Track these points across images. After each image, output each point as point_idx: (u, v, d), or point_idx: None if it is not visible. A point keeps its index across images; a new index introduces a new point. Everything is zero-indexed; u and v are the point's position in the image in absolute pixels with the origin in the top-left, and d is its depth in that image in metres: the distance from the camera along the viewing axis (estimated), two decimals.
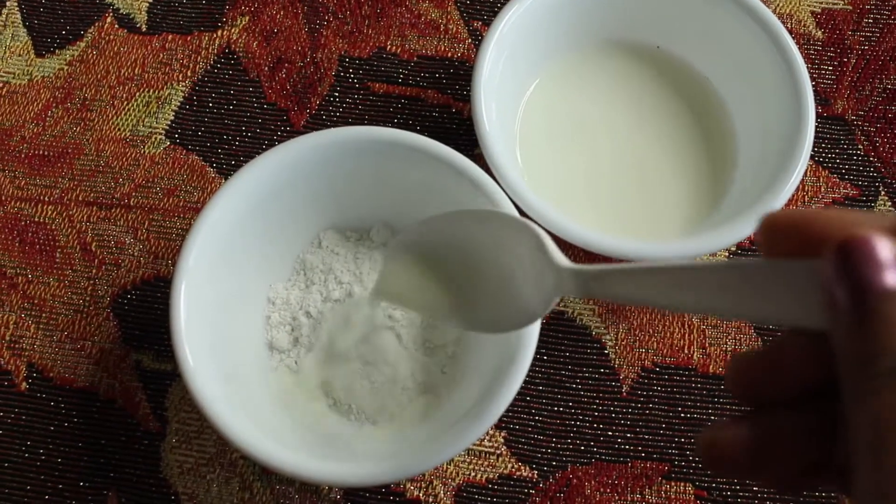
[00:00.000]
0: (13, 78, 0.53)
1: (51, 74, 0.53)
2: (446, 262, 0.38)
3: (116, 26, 0.54)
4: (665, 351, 0.47)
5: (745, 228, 0.41)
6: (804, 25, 0.54)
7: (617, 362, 0.47)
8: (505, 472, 0.45)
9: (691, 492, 0.45)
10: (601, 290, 0.30)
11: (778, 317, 0.24)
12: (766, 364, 0.25)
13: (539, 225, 0.41)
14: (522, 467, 0.45)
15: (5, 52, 0.54)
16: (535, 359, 0.38)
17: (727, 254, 0.49)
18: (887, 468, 0.20)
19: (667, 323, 0.47)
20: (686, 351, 0.47)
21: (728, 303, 0.25)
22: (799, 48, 0.45)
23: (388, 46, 0.54)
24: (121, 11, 0.55)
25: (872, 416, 0.21)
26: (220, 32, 0.54)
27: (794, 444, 0.24)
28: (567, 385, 0.46)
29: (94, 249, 0.49)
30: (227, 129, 0.52)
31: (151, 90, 0.53)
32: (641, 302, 0.29)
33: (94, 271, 0.49)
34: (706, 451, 0.26)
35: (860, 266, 0.21)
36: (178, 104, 0.52)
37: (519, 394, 0.38)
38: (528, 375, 0.38)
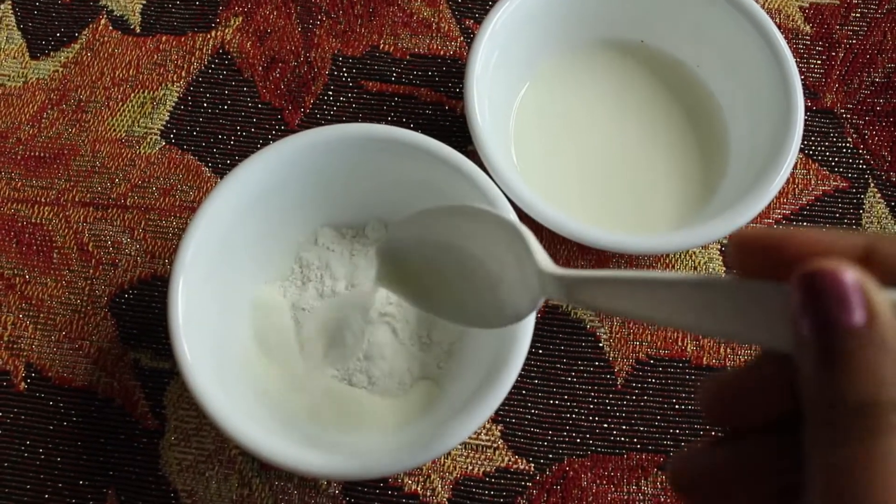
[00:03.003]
0: (8, 80, 0.53)
1: (46, 76, 0.54)
2: (436, 257, 0.37)
3: (110, 28, 0.55)
4: (659, 343, 0.47)
5: (735, 221, 0.41)
6: (792, 20, 0.55)
7: (611, 355, 0.47)
8: (502, 465, 0.45)
9: None
10: (580, 298, 0.29)
11: (750, 338, 0.23)
12: (739, 387, 0.24)
13: (532, 219, 0.42)
14: (519, 460, 0.45)
15: (0, 55, 0.54)
16: (530, 353, 0.38)
17: (719, 246, 0.49)
18: None
19: None
20: (680, 343, 0.47)
21: (700, 320, 0.24)
22: (787, 43, 0.45)
23: (381, 45, 0.54)
24: (115, 13, 0.55)
25: (826, 468, 0.20)
26: (213, 33, 0.55)
27: (764, 470, 0.23)
28: (562, 378, 0.47)
29: (91, 249, 0.49)
30: (221, 129, 0.52)
31: (146, 91, 0.53)
32: (618, 312, 0.28)
33: (91, 271, 0.49)
34: (675, 482, 0.24)
35: (824, 300, 0.20)
36: (173, 104, 0.53)
37: (515, 387, 0.38)
38: (523, 369, 0.38)
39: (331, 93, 0.53)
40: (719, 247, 0.49)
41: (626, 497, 0.45)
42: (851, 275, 0.20)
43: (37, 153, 0.51)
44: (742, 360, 0.47)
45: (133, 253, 0.49)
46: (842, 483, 0.19)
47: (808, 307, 0.20)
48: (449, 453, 0.45)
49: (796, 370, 0.21)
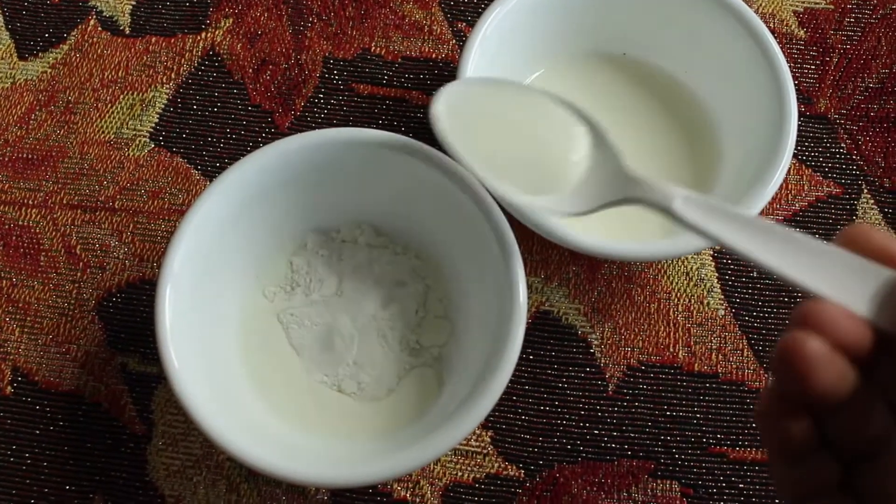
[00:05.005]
0: None
1: (34, 77, 0.53)
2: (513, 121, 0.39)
3: (100, 29, 0.54)
4: (651, 349, 0.47)
5: None
6: (787, 25, 0.55)
7: (603, 361, 0.47)
8: (492, 471, 0.45)
9: (677, 489, 0.45)
10: (676, 208, 0.33)
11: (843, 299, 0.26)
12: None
13: (523, 224, 0.42)
14: (509, 466, 0.45)
15: None
16: (520, 358, 0.38)
17: (711, 252, 0.49)
18: None
19: (652, 321, 0.48)
20: (671, 349, 0.47)
21: (802, 273, 0.28)
22: (781, 48, 0.45)
23: (373, 48, 0.54)
24: (104, 14, 0.55)
25: None
26: (203, 35, 0.54)
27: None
28: (553, 384, 0.47)
29: (78, 252, 0.49)
30: (211, 132, 0.52)
31: (135, 93, 0.53)
32: (700, 232, 0.32)
33: (78, 274, 0.48)
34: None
35: None
36: (163, 106, 0.52)
37: (505, 393, 0.38)
38: (514, 375, 0.38)
39: (322, 95, 0.53)
40: (711, 253, 0.49)
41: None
42: None
43: (24, 155, 0.51)
44: (733, 366, 0.47)
45: (121, 256, 0.49)
46: None
47: None
48: (439, 459, 0.45)
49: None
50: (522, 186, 0.38)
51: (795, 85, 0.45)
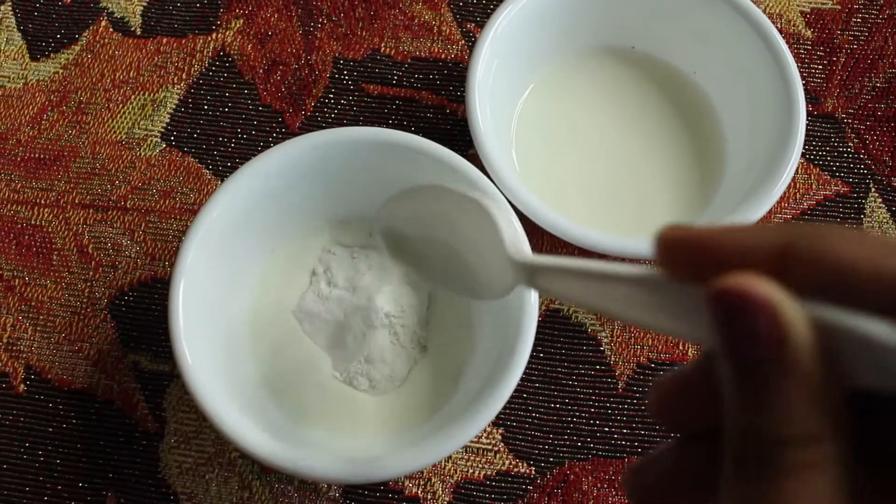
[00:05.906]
0: (8, 82, 0.53)
1: (46, 78, 0.53)
2: (428, 232, 0.36)
3: (111, 30, 0.55)
4: (660, 347, 0.47)
5: None
6: (794, 25, 0.55)
7: (613, 359, 0.47)
8: (503, 468, 0.45)
9: None
10: (541, 286, 0.28)
11: (694, 338, 0.23)
12: (682, 388, 0.23)
13: (534, 223, 0.42)
14: (520, 464, 0.45)
15: (0, 57, 0.54)
16: (531, 356, 0.38)
17: None
18: None
19: None
20: (681, 347, 0.47)
21: (642, 315, 0.23)
22: (789, 47, 0.45)
23: (382, 48, 0.54)
24: (115, 15, 0.55)
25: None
26: (214, 35, 0.54)
27: (705, 477, 0.22)
28: (563, 382, 0.47)
29: (90, 252, 0.49)
30: (222, 132, 0.52)
31: (147, 93, 0.53)
32: (577, 303, 0.27)
33: (91, 273, 0.49)
34: (629, 494, 0.24)
35: (731, 326, 0.19)
36: (174, 107, 0.53)
37: (516, 391, 0.38)
38: (524, 373, 0.38)
39: (332, 96, 0.53)
40: None
41: (626, 501, 0.45)
42: (760, 294, 0.18)
43: (37, 155, 0.51)
44: None
45: (133, 255, 0.49)
46: None
47: (719, 329, 0.19)
48: (450, 457, 0.45)
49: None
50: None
51: (803, 85, 0.45)
